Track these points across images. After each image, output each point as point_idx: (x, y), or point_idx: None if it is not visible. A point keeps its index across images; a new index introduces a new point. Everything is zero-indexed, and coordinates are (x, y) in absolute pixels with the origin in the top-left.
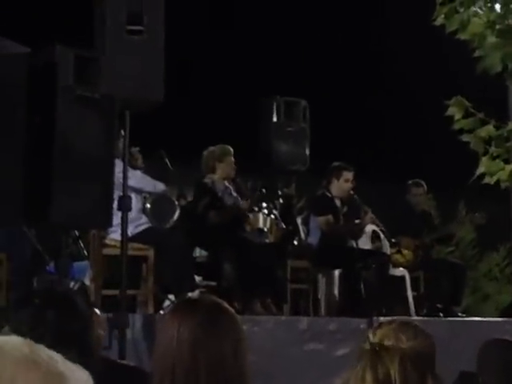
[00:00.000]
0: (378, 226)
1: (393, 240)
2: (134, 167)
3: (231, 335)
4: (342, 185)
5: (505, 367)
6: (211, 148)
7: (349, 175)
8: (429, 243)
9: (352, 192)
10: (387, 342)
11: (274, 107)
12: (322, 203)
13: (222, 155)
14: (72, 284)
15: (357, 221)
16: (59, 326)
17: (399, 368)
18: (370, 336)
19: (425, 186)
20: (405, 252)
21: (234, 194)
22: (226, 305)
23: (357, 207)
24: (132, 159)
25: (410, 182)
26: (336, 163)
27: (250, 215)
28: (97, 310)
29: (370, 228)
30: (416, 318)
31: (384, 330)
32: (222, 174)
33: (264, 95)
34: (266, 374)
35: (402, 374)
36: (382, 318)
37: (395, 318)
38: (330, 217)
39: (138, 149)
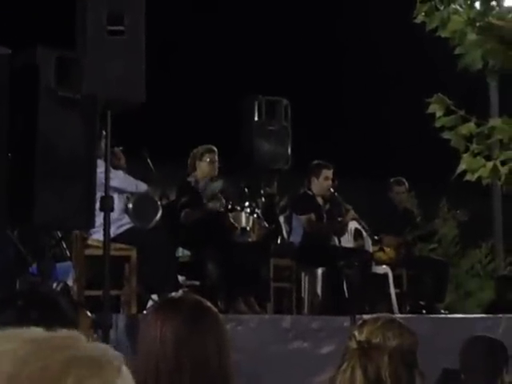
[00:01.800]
0: (360, 223)
1: (375, 238)
2: (116, 167)
3: (214, 334)
4: (322, 183)
5: (487, 364)
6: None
7: (328, 173)
8: (411, 241)
9: (333, 190)
10: (374, 340)
11: (256, 106)
12: (303, 202)
13: (201, 154)
14: (55, 285)
15: (339, 219)
16: (43, 326)
17: (389, 366)
18: (356, 334)
19: (406, 184)
20: (387, 250)
21: (218, 194)
22: (208, 303)
23: (338, 205)
24: (115, 159)
25: (392, 180)
26: (315, 161)
27: (232, 215)
28: (88, 313)
29: (352, 226)
30: (399, 315)
31: (370, 327)
32: (202, 173)
33: (245, 94)
34: (250, 373)
35: (393, 372)
36: (365, 316)
37: (379, 315)
38: (312, 215)
39: (120, 148)
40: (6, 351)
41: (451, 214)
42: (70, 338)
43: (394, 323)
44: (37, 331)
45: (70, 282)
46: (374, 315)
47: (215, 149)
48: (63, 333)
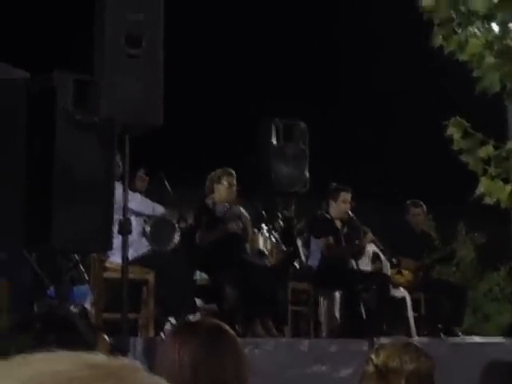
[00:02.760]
0: (378, 246)
1: (393, 261)
2: (134, 190)
3: (232, 357)
4: (340, 206)
5: None
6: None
7: (346, 196)
8: (429, 264)
9: (351, 213)
10: (391, 364)
11: (273, 129)
12: (321, 225)
13: (219, 177)
14: (73, 308)
15: (357, 242)
16: (61, 350)
17: None
18: (373, 357)
19: (424, 206)
20: (405, 273)
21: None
22: (226, 327)
23: (356, 228)
24: (140, 181)
25: (409, 201)
26: (333, 184)
27: (251, 236)
28: (106, 336)
29: (370, 249)
30: (417, 338)
31: (387, 351)
32: (220, 196)
33: (263, 118)
34: None
35: None
36: (382, 340)
37: (396, 338)
38: (330, 238)
39: (143, 171)
40: (52, 372)
41: (469, 236)
42: (125, 367)
43: (410, 347)
44: (98, 357)
45: (87, 305)
46: (391, 339)
47: (233, 172)
48: (122, 361)
